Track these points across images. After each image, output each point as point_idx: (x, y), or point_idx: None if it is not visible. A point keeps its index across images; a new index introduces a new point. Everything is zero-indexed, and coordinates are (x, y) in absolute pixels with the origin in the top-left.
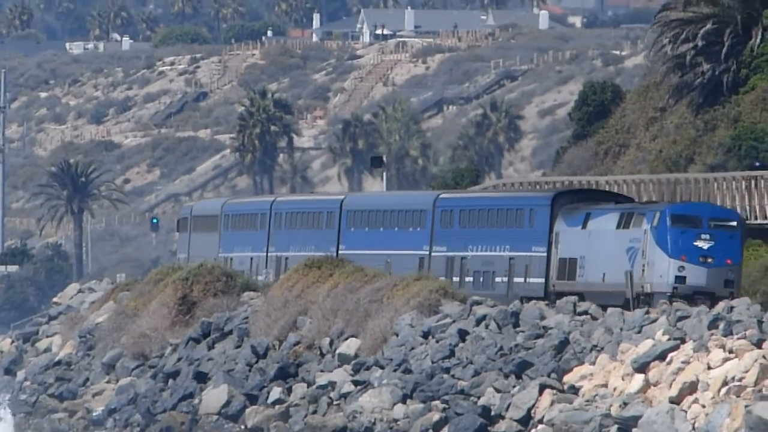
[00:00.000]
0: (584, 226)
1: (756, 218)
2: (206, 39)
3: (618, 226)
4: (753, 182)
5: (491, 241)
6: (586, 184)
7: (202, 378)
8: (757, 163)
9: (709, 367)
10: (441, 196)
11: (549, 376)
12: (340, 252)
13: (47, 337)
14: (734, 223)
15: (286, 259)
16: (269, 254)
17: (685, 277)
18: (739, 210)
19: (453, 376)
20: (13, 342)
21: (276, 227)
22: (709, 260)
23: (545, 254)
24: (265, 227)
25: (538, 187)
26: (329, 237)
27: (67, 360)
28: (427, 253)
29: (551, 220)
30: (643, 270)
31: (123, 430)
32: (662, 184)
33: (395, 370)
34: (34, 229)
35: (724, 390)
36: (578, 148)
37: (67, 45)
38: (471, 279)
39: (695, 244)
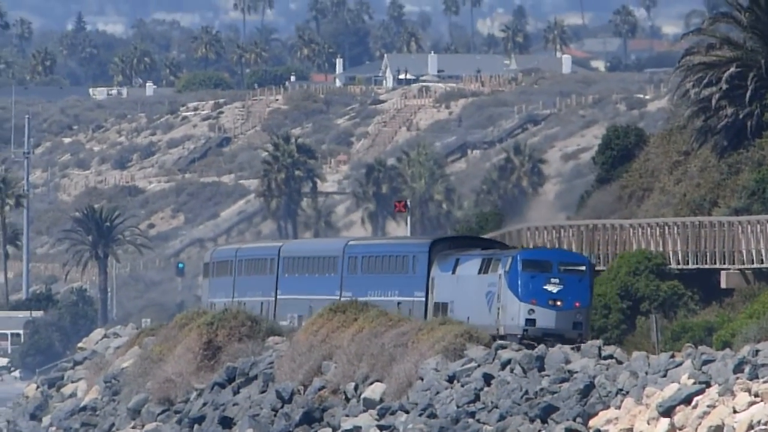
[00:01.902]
0: (454, 272)
1: (752, 260)
2: (229, 84)
3: (479, 272)
4: None
5: (384, 286)
6: (610, 228)
7: (227, 423)
8: None
9: (735, 411)
10: (349, 243)
11: (575, 420)
12: (278, 297)
13: (72, 382)
14: (583, 268)
15: (244, 304)
16: (234, 299)
17: (535, 320)
18: (764, 253)
19: (478, 420)
20: (38, 387)
21: (239, 274)
22: (558, 303)
23: (424, 299)
24: (232, 274)
25: (562, 231)
26: (271, 283)
27: (92, 405)
28: (338, 297)
29: (429, 266)
30: (498, 313)
31: None
32: (686, 227)
33: (420, 415)
34: (58, 275)
35: None
36: (602, 192)
37: (91, 91)
38: None
39: (545, 288)
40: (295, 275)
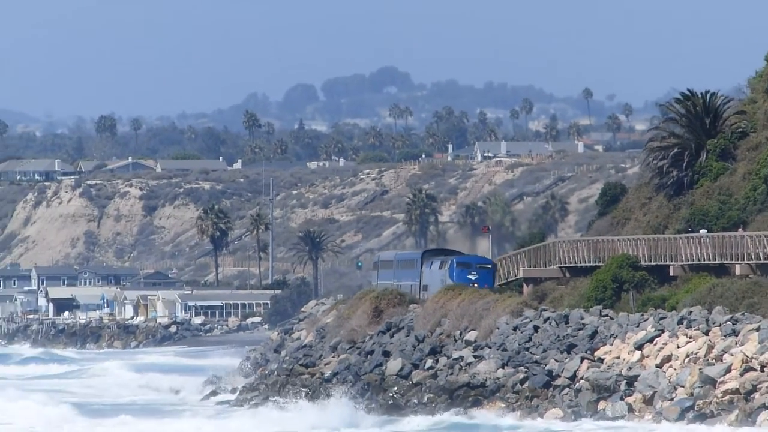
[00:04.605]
0: (430, 268)
1: (687, 259)
2: (387, 159)
3: (439, 268)
4: (698, 240)
5: (406, 276)
6: (606, 241)
7: (387, 354)
8: (689, 228)
9: (678, 347)
10: (397, 253)
11: (586, 352)
12: (378, 282)
13: (298, 331)
14: (489, 266)
15: (377, 285)
16: (381, 283)
17: None
18: (694, 255)
19: (530, 352)
20: (278, 334)
21: (373, 269)
22: (475, 285)
23: (419, 283)
24: (378, 269)
25: (578, 243)
26: (375, 275)
27: (309, 344)
28: (392, 283)
29: (421, 266)
30: None
31: (341, 385)
32: (650, 240)
33: (498, 349)
34: (289, 269)
35: (686, 360)
36: (602, 220)
37: (308, 163)
38: None
39: (468, 276)
40: (383, 271)
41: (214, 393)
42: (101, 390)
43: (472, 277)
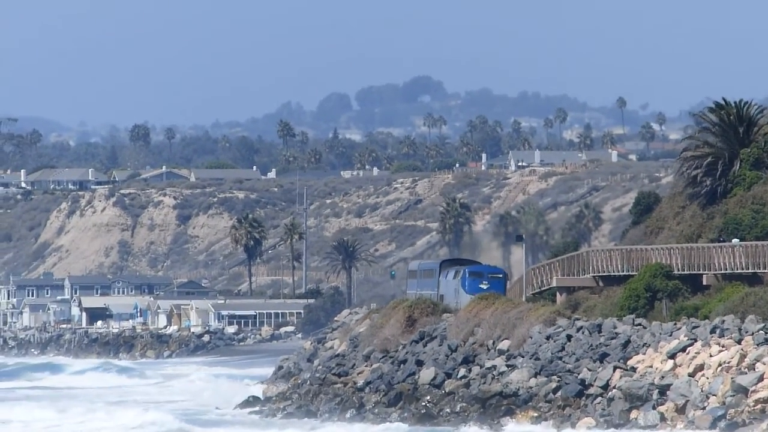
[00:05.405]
0: (446, 277)
1: (720, 269)
2: (420, 168)
3: (453, 277)
4: (731, 249)
5: (426, 286)
6: (640, 250)
7: (420, 363)
8: (721, 238)
9: (711, 356)
10: (420, 263)
11: (619, 361)
12: (407, 291)
13: (331, 340)
14: (501, 275)
15: (405, 294)
16: (410, 292)
17: None
18: (726, 264)
19: (563, 361)
20: (312, 343)
21: (409, 278)
22: None
23: (436, 291)
24: (407, 278)
25: (612, 252)
26: (406, 285)
27: (342, 353)
28: (416, 291)
29: (439, 275)
30: (457, 300)
31: (374, 394)
32: (683, 249)
33: (530, 358)
34: (323, 278)
35: (719, 369)
36: (635, 230)
37: (341, 172)
38: None
39: (480, 286)
40: (410, 280)
41: (247, 402)
42: (203, 398)
43: (484, 287)
